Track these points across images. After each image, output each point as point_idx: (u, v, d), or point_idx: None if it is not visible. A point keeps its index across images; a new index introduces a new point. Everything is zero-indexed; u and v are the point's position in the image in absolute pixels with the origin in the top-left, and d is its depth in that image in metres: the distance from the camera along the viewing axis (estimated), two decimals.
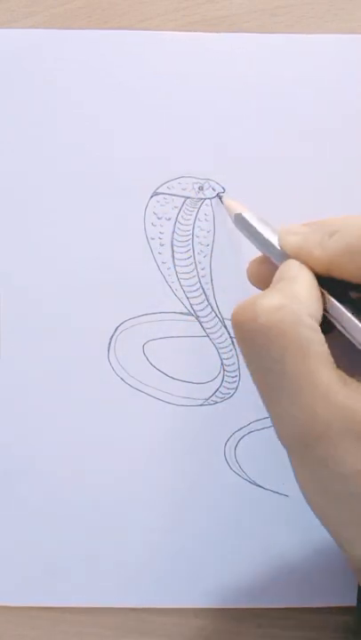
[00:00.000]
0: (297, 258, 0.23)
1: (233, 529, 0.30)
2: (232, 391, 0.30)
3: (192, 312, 0.29)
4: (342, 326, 0.22)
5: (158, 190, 0.29)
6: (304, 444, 0.20)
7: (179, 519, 0.30)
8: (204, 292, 0.29)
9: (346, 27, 0.28)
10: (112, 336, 0.29)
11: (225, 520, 0.30)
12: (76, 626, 0.31)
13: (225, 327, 0.29)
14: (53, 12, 0.29)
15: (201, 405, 0.30)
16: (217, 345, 0.30)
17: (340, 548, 0.21)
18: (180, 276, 0.29)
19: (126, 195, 0.29)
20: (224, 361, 0.30)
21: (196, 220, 0.29)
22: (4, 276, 0.29)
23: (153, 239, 0.29)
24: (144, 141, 0.29)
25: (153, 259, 0.29)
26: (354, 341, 0.21)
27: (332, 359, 0.20)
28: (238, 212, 0.27)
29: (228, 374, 0.30)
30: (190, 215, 0.29)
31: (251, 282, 0.26)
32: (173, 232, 0.29)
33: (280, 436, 0.21)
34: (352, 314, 0.22)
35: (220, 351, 0.30)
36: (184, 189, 0.29)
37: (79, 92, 0.28)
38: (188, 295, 0.29)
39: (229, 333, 0.29)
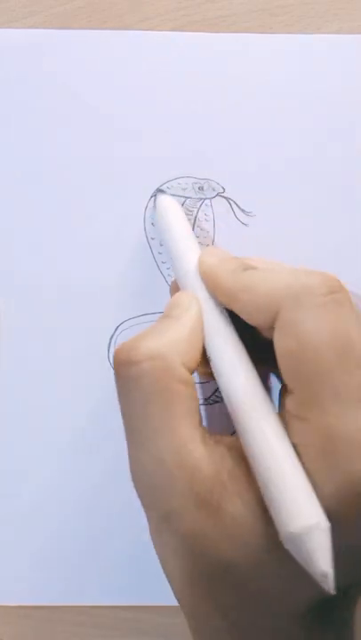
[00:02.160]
0: (205, 278, 0.24)
1: None
2: None
3: None
4: (216, 371, 0.22)
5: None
6: (149, 494, 0.21)
7: None
8: None
9: (346, 27, 0.28)
10: (112, 336, 0.29)
11: None
12: (76, 626, 0.31)
13: None
14: (53, 12, 0.29)
15: (201, 405, 0.30)
16: None
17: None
18: None
19: (126, 195, 0.29)
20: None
21: (196, 220, 0.29)
22: (4, 276, 0.29)
23: (153, 239, 0.29)
24: (144, 141, 0.29)
25: (153, 259, 0.29)
26: (223, 395, 0.22)
27: (197, 415, 0.21)
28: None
29: None
30: (190, 215, 0.29)
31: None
32: None
33: (132, 480, 0.22)
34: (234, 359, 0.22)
35: None
36: (184, 189, 0.29)
37: (79, 91, 0.28)
38: None
39: None
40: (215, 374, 0.22)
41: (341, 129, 0.29)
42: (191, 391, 0.21)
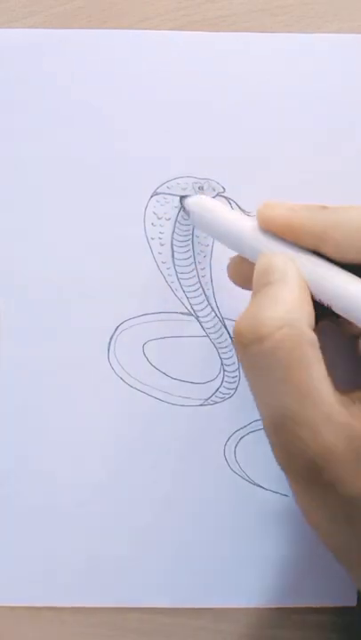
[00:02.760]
0: (282, 231, 0.22)
1: (233, 529, 0.30)
2: (232, 391, 0.30)
3: (192, 312, 0.29)
4: (342, 308, 0.21)
5: (158, 190, 0.29)
6: (309, 468, 0.20)
7: (178, 519, 0.30)
8: (204, 292, 0.29)
9: (346, 27, 0.28)
10: (112, 336, 0.29)
11: (224, 520, 0.30)
12: (76, 626, 0.31)
13: (225, 327, 0.29)
14: (53, 12, 0.29)
15: (201, 405, 0.30)
16: (217, 345, 0.30)
17: (349, 573, 0.21)
18: (180, 276, 0.29)
19: (126, 195, 0.29)
20: (224, 361, 0.30)
21: None
22: (4, 276, 0.29)
23: (153, 239, 0.29)
24: (144, 141, 0.29)
25: (153, 259, 0.29)
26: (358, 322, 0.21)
27: (329, 378, 0.20)
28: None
29: (228, 374, 0.30)
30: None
31: (234, 282, 0.26)
32: (173, 232, 0.29)
33: (281, 462, 0.21)
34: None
35: (220, 351, 0.30)
36: (184, 189, 0.29)
37: (79, 91, 0.28)
38: (188, 295, 0.29)
39: (229, 333, 0.29)
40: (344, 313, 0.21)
41: (341, 129, 0.29)
42: (320, 354, 0.20)
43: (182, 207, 0.28)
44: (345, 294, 0.21)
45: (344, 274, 0.22)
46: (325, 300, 0.22)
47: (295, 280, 0.21)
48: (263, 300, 0.21)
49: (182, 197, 0.28)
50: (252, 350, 0.20)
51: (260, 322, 0.20)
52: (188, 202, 0.28)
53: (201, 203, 0.27)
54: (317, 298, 0.22)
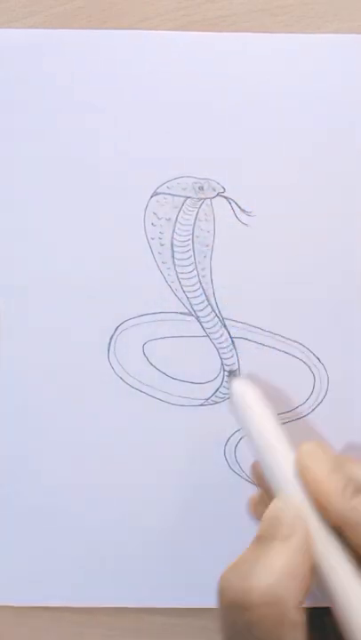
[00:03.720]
0: (311, 492, 0.22)
1: (233, 529, 0.30)
2: None
3: (192, 312, 0.29)
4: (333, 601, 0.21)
5: (158, 190, 0.29)
6: None
7: (179, 519, 0.30)
8: (204, 292, 0.29)
9: (346, 27, 0.28)
10: (112, 336, 0.29)
11: (225, 520, 0.30)
12: (76, 626, 0.31)
13: (225, 327, 0.29)
14: (53, 12, 0.29)
15: (201, 405, 0.30)
16: (217, 345, 0.30)
17: None
18: (180, 275, 0.29)
19: (126, 195, 0.29)
20: (224, 361, 0.30)
21: (197, 220, 0.29)
22: (4, 276, 0.29)
23: (153, 239, 0.29)
24: (144, 141, 0.29)
25: (153, 259, 0.29)
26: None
27: None
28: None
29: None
30: (190, 215, 0.29)
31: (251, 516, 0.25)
32: (173, 232, 0.29)
33: None
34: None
35: (220, 351, 0.30)
36: (184, 189, 0.29)
37: (79, 91, 0.28)
38: (188, 295, 0.29)
39: (229, 333, 0.29)
40: (331, 602, 0.21)
41: (341, 129, 0.29)
42: (302, 635, 0.20)
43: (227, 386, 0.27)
44: (344, 596, 0.21)
45: (352, 573, 0.21)
46: (320, 588, 0.21)
47: (297, 545, 0.21)
48: (259, 554, 0.21)
49: (230, 375, 0.28)
50: (231, 615, 0.20)
51: (246, 588, 0.19)
52: (234, 387, 0.26)
53: (246, 402, 0.26)
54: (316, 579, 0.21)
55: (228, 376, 0.28)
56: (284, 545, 0.21)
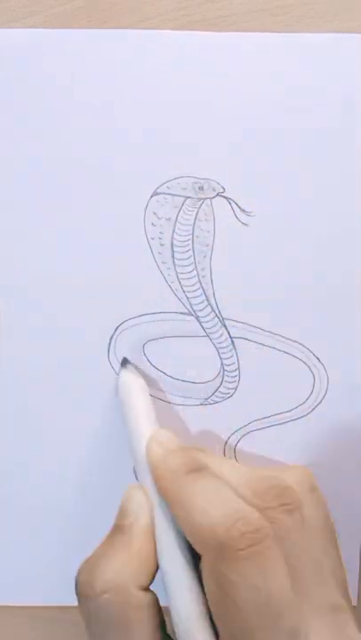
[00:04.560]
0: (151, 471, 0.24)
1: None
2: (232, 391, 0.30)
3: (192, 312, 0.29)
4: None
5: (158, 190, 0.29)
6: None
7: None
8: (204, 292, 0.29)
9: (346, 27, 0.28)
10: (112, 336, 0.29)
11: None
12: (76, 626, 0.31)
13: (225, 327, 0.29)
14: (53, 12, 0.29)
15: (201, 405, 0.30)
16: (217, 345, 0.30)
17: None
18: (180, 276, 0.29)
19: (126, 195, 0.29)
20: (224, 361, 0.30)
21: (196, 220, 0.29)
22: (4, 276, 0.29)
23: (153, 239, 0.29)
24: (144, 141, 0.29)
25: (153, 259, 0.29)
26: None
27: (157, 633, 0.22)
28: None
29: (228, 374, 0.30)
30: (190, 215, 0.29)
31: None
32: (173, 232, 0.29)
33: None
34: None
35: (220, 351, 0.30)
36: (184, 189, 0.29)
37: (79, 91, 0.28)
38: (188, 295, 0.29)
39: (229, 333, 0.29)
40: (164, 583, 0.23)
41: (341, 129, 0.29)
42: (148, 613, 0.22)
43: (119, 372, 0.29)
44: (164, 572, 0.23)
45: (170, 553, 0.23)
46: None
47: (139, 532, 0.23)
48: (106, 547, 0.23)
49: (123, 362, 0.29)
50: (81, 604, 0.23)
51: (92, 580, 0.22)
52: (122, 375, 0.28)
53: (128, 390, 0.28)
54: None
55: (121, 364, 0.29)
56: (126, 534, 0.23)
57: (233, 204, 0.29)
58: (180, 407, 0.30)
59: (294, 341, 0.29)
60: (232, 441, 0.30)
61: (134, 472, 0.27)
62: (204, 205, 0.29)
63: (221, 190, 0.29)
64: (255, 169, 0.29)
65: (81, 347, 0.29)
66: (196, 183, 0.29)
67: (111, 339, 0.29)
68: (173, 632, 0.23)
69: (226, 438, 0.30)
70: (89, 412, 0.30)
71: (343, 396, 0.30)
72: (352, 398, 0.30)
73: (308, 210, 0.29)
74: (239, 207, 0.29)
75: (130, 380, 0.28)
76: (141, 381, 0.28)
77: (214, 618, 0.21)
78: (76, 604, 0.31)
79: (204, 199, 0.29)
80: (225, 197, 0.29)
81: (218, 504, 0.22)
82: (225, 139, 0.29)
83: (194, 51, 0.28)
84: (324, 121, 0.28)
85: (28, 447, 0.30)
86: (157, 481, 0.24)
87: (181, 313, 0.29)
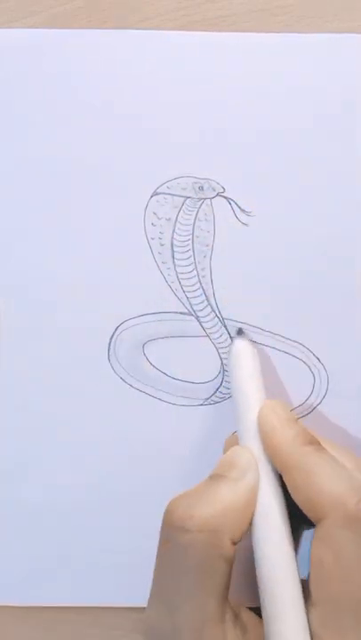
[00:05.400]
0: (264, 439, 0.24)
1: None
2: None
3: (192, 312, 0.29)
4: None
5: (158, 190, 0.29)
6: None
7: None
8: (204, 292, 0.29)
9: (346, 27, 0.28)
10: (112, 336, 0.29)
11: None
12: (76, 626, 0.31)
13: (225, 327, 0.29)
14: (53, 12, 0.29)
15: (201, 405, 0.30)
16: (217, 345, 0.30)
17: None
18: (180, 276, 0.29)
19: (126, 195, 0.29)
20: (224, 361, 0.30)
21: (196, 220, 0.29)
22: (4, 276, 0.29)
23: (153, 239, 0.29)
24: (144, 141, 0.29)
25: (153, 259, 0.29)
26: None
27: (226, 591, 0.22)
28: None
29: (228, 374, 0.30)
30: (190, 215, 0.29)
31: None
32: (173, 232, 0.29)
33: (143, 633, 0.23)
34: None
35: (220, 351, 0.30)
36: (184, 189, 0.29)
37: (79, 91, 0.28)
38: (188, 295, 0.29)
39: (229, 333, 0.29)
40: (255, 549, 0.23)
41: (341, 129, 0.29)
42: (230, 568, 0.22)
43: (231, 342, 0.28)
44: (258, 539, 0.23)
45: (271, 521, 0.23)
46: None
47: (245, 489, 0.23)
48: (208, 489, 0.23)
49: (238, 332, 0.29)
50: (171, 535, 0.22)
51: (189, 514, 0.22)
52: (235, 344, 0.28)
53: (239, 357, 0.27)
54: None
55: (237, 333, 0.29)
56: (232, 485, 0.23)
57: (233, 204, 0.29)
58: (180, 407, 0.30)
59: (294, 341, 0.29)
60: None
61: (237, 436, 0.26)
62: (204, 205, 0.29)
63: (221, 190, 0.29)
64: (255, 169, 0.29)
65: (81, 347, 0.29)
66: (196, 183, 0.29)
67: (111, 339, 0.29)
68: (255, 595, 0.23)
69: (226, 438, 0.30)
70: (89, 412, 0.30)
71: (343, 396, 0.30)
72: (352, 398, 0.30)
73: (308, 210, 0.29)
74: (239, 207, 0.29)
75: (244, 346, 0.27)
76: (255, 350, 0.28)
77: (316, 583, 0.21)
78: (76, 604, 0.31)
79: (204, 199, 0.29)
80: (225, 197, 0.29)
81: (345, 477, 0.22)
82: (225, 139, 0.29)
83: (194, 51, 0.28)
84: (324, 121, 0.28)
85: (28, 447, 0.30)
86: (273, 448, 0.24)
87: (181, 313, 0.29)
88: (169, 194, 0.29)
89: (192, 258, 0.29)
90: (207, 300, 0.29)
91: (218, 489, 0.23)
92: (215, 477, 0.24)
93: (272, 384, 0.30)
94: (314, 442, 0.24)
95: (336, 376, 0.30)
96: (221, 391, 0.30)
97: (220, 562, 0.22)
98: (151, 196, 0.29)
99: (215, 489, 0.23)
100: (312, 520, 0.22)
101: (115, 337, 0.29)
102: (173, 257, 0.29)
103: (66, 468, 0.30)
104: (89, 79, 0.28)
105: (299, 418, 0.29)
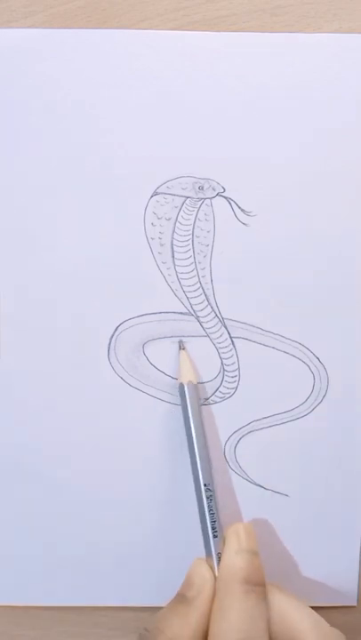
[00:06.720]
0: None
1: None
2: (232, 391, 0.30)
3: (192, 312, 0.29)
4: None
5: (158, 190, 0.29)
6: None
7: (179, 519, 0.30)
8: (204, 292, 0.29)
9: (346, 27, 0.28)
10: (112, 336, 0.29)
11: (225, 519, 0.30)
12: (76, 626, 0.31)
13: (225, 327, 0.29)
14: (53, 12, 0.29)
15: (201, 405, 0.30)
16: (217, 345, 0.30)
17: None
18: (180, 276, 0.29)
19: (126, 195, 0.29)
20: (224, 361, 0.30)
21: (196, 220, 0.29)
22: (4, 276, 0.29)
23: (153, 239, 0.29)
24: (144, 141, 0.29)
25: (153, 259, 0.29)
26: None
27: None
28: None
29: (228, 374, 0.30)
30: (190, 215, 0.29)
31: None
32: (173, 232, 0.29)
33: None
34: None
35: (220, 351, 0.30)
36: (184, 189, 0.29)
37: (79, 91, 0.28)
38: (188, 295, 0.29)
39: (229, 333, 0.29)
40: None
41: (341, 129, 0.29)
42: None
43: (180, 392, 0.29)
44: None
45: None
46: None
47: (197, 606, 0.26)
48: (169, 611, 0.26)
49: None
50: None
51: (157, 632, 0.25)
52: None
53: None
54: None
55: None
56: (188, 605, 0.26)
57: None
58: (180, 407, 0.30)
59: (294, 341, 0.29)
60: (232, 441, 0.30)
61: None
62: (204, 205, 0.29)
63: (221, 190, 0.29)
64: (255, 169, 0.29)
65: (81, 347, 0.29)
66: (196, 183, 0.29)
67: (111, 339, 0.29)
68: None
69: (226, 438, 0.30)
70: (89, 412, 0.30)
71: (343, 396, 0.30)
72: (352, 398, 0.30)
73: (308, 210, 0.29)
74: (239, 207, 0.29)
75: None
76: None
77: None
78: (74, 604, 0.31)
79: (204, 199, 0.29)
80: (225, 197, 0.29)
81: (244, 630, 0.25)
82: (225, 138, 0.29)
83: (194, 51, 0.28)
84: (324, 120, 0.28)
85: (28, 447, 0.30)
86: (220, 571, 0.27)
87: (181, 313, 0.29)
88: (169, 194, 0.29)
89: (192, 258, 0.29)
90: (207, 299, 0.29)
91: (176, 610, 0.26)
92: (177, 597, 0.27)
93: (272, 384, 0.30)
94: (255, 582, 0.26)
95: (336, 376, 0.30)
96: (221, 391, 0.30)
97: None
98: (151, 196, 0.29)
99: (174, 610, 0.26)
100: None
101: (115, 337, 0.29)
102: (173, 257, 0.29)
103: (65, 468, 0.30)
104: (89, 79, 0.28)
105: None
